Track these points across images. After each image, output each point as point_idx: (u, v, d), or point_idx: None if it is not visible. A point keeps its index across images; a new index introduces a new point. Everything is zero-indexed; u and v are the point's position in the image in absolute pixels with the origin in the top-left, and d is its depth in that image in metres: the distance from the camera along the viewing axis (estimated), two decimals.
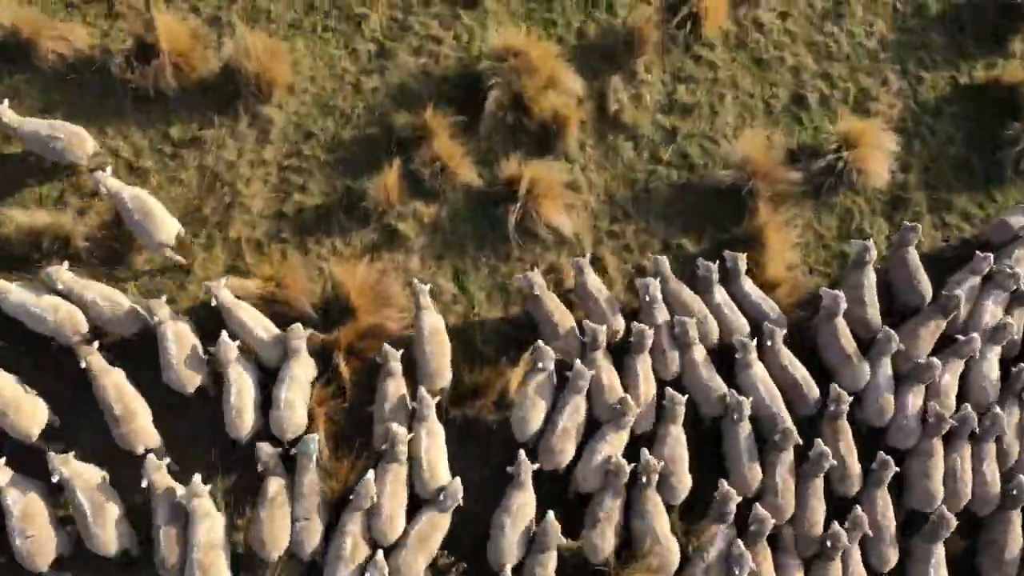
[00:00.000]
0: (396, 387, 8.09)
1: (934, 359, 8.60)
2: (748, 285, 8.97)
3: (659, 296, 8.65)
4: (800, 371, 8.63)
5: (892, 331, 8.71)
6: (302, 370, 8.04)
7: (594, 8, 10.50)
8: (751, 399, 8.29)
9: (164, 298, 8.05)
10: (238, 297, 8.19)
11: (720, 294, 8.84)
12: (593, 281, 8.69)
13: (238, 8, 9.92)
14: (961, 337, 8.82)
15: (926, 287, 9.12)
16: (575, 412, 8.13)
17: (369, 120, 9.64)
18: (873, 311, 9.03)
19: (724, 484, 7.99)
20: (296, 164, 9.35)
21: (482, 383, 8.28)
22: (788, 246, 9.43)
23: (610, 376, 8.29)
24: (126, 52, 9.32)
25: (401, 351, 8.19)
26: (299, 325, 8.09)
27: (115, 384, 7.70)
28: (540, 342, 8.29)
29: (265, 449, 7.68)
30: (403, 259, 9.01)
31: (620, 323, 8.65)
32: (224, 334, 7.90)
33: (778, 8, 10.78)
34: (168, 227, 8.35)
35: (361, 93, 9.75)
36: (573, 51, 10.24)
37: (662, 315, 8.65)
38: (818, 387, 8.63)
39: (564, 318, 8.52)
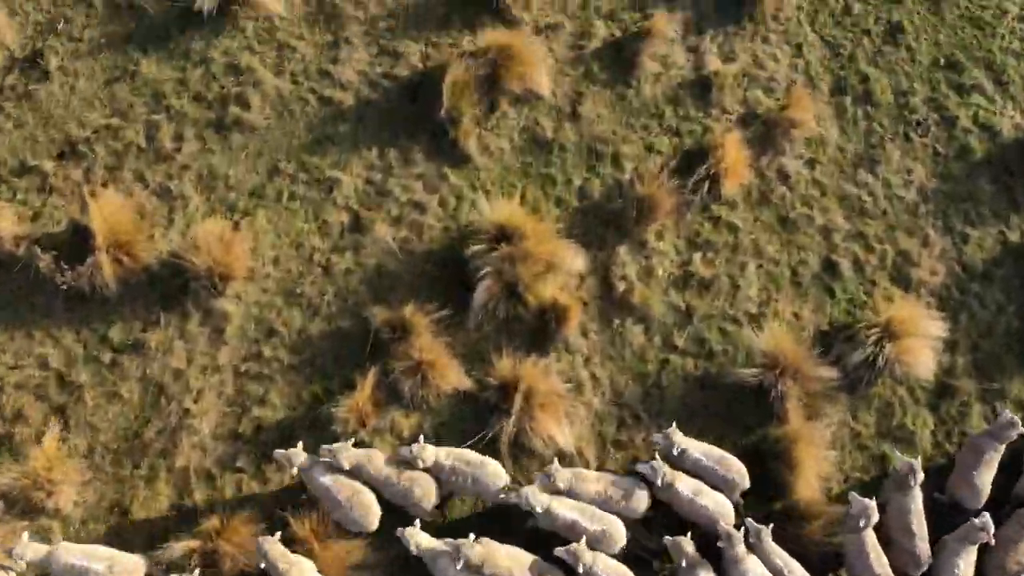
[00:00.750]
0: None
1: None
2: (695, 450, 7.44)
3: (547, 502, 7.02)
4: (793, 567, 7.20)
5: (989, 520, 7.20)
6: None
7: (597, 162, 8.86)
8: None
9: None
10: None
11: (685, 485, 7.29)
12: (438, 461, 7.19)
13: (191, 175, 8.29)
14: None
15: (985, 491, 7.66)
16: None
17: (341, 309, 8.04)
18: (923, 544, 7.48)
19: None
20: (255, 370, 7.74)
21: None
22: (820, 458, 7.83)
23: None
24: (59, 242, 7.70)
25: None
26: None
27: None
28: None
29: None
30: None
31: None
32: None
33: (806, 154, 9.12)
34: None
35: (331, 276, 8.14)
36: (574, 215, 8.63)
37: (570, 514, 7.09)
38: None
39: (348, 491, 7.03)
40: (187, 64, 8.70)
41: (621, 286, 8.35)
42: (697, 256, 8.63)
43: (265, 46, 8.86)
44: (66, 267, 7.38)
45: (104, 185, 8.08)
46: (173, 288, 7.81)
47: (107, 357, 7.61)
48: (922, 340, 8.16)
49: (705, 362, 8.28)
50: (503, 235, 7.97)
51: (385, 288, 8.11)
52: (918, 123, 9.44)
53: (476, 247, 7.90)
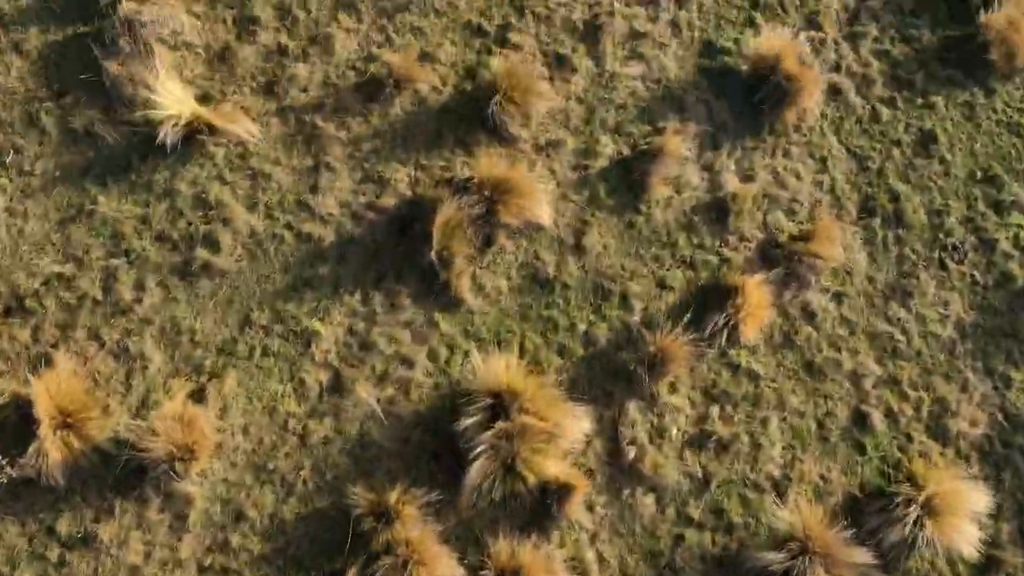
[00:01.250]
0: None
1: None
2: None
3: None
4: None
5: None
6: None
7: (604, 302, 7.83)
8: None
9: None
10: None
11: None
12: None
13: (153, 331, 7.27)
14: None
15: None
16: None
17: (318, 486, 7.04)
18: None
19: None
20: (221, 562, 6.75)
21: None
22: None
23: None
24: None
25: None
26: None
27: None
28: None
29: None
30: None
31: None
32: None
33: (832, 287, 8.09)
34: None
35: (308, 447, 7.13)
36: (579, 365, 7.60)
37: None
38: None
39: None
40: (150, 198, 7.67)
41: (631, 452, 7.34)
42: (715, 410, 7.62)
43: (236, 174, 7.83)
44: (4, 460, 6.36)
45: (54, 346, 7.06)
46: (129, 469, 6.79)
47: (54, 554, 6.62)
48: (965, 520, 7.15)
49: (724, 536, 7.29)
50: (499, 403, 6.94)
51: (368, 459, 7.11)
52: (954, 247, 8.41)
53: (469, 421, 6.88)
